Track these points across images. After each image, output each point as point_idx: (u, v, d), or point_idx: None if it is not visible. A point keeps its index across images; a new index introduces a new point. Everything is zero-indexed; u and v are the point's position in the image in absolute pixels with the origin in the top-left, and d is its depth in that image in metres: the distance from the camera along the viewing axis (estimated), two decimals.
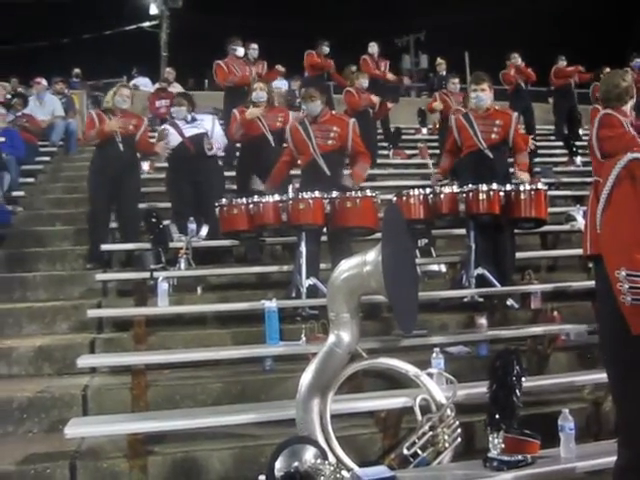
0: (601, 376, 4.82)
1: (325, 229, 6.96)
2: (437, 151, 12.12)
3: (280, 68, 13.80)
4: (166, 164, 8.84)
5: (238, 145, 9.29)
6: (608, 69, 10.42)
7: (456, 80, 12.23)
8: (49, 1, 24.91)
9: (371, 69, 13.43)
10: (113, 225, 8.44)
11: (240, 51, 11.61)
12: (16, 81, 15.77)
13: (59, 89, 14.39)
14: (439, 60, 15.67)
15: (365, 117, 11.02)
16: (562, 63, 14.57)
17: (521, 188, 6.86)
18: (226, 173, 9.59)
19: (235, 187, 9.01)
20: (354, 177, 7.13)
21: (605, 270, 3.44)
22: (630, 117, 5.65)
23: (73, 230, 8.88)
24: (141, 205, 9.10)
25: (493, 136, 7.27)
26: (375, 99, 11.93)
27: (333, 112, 7.57)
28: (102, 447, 4.72)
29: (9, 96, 12.95)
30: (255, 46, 12.33)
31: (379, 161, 12.21)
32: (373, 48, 13.93)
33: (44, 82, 13.69)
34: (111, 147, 8.12)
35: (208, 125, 8.45)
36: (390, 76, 14.13)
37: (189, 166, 8.13)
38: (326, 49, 14.04)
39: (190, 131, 8.31)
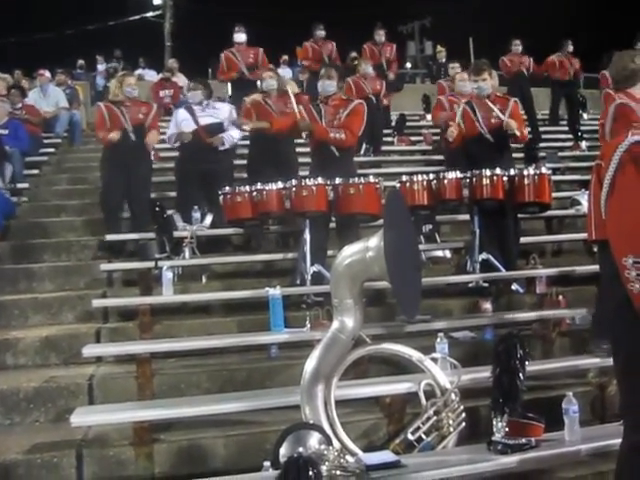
0: (605, 360, 4.85)
1: (333, 216, 6.96)
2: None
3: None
4: (176, 152, 8.84)
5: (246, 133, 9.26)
6: None
7: (456, 64, 12.14)
8: None
9: (369, 58, 13.26)
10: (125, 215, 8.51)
11: (239, 37, 11.56)
12: (20, 73, 15.77)
13: (62, 80, 14.39)
14: (439, 48, 15.59)
15: (368, 104, 10.99)
16: (570, 48, 14.43)
17: (525, 173, 6.86)
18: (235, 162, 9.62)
19: (245, 175, 9.03)
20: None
21: (610, 255, 3.42)
22: None
23: (78, 221, 8.90)
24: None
25: (493, 120, 7.31)
26: (379, 85, 11.93)
27: (344, 96, 7.57)
28: (108, 435, 4.74)
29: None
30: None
31: (384, 148, 12.21)
32: (381, 37, 13.75)
33: (47, 74, 13.67)
34: (123, 137, 8.16)
35: (224, 115, 8.42)
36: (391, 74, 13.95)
37: (200, 155, 8.11)
38: (321, 33, 13.93)
39: (205, 119, 8.30)
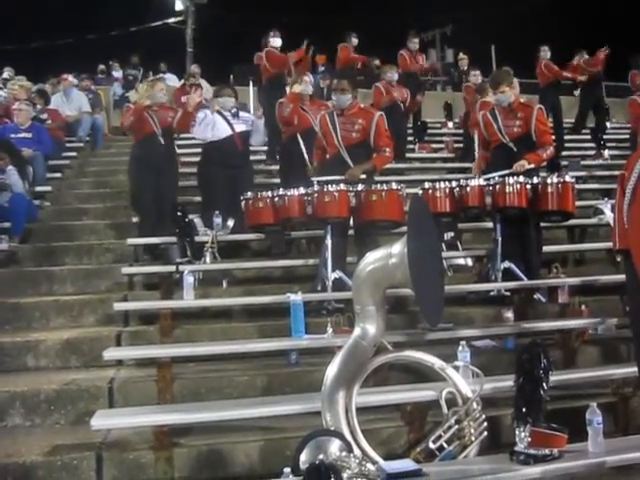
0: (629, 370, 4.81)
1: (352, 222, 6.93)
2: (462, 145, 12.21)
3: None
4: (199, 156, 8.82)
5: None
6: None
7: (477, 72, 12.18)
8: None
9: (407, 65, 13.34)
10: None
11: (276, 41, 11.64)
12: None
13: (85, 86, 14.49)
14: (461, 55, 15.57)
15: (395, 111, 11.00)
16: (585, 57, 14.44)
17: (548, 181, 6.82)
18: (268, 167, 9.74)
19: (278, 180, 9.10)
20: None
21: (634, 265, 3.40)
22: None
23: (100, 224, 8.95)
24: None
25: (515, 130, 7.28)
26: (405, 93, 11.95)
27: (362, 105, 7.54)
28: (128, 439, 4.74)
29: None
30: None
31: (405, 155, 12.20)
32: (415, 45, 13.78)
33: (71, 78, 13.77)
34: (152, 140, 8.28)
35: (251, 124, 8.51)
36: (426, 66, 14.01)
37: (232, 162, 8.15)
38: (355, 40, 14.02)
39: (239, 126, 8.34)
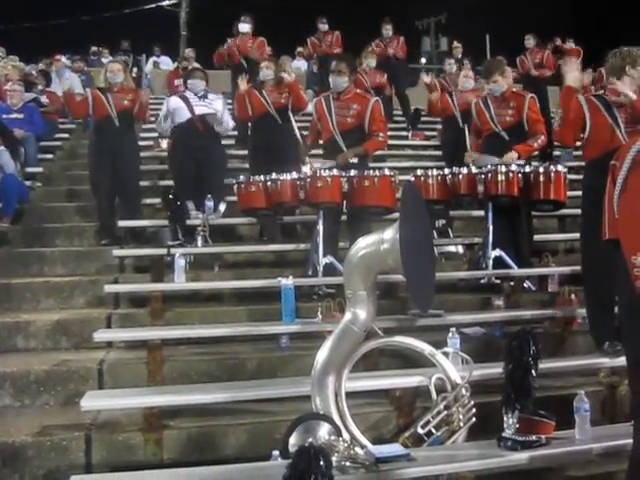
0: (617, 360, 4.84)
1: (344, 208, 6.93)
2: None
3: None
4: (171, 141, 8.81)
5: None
6: None
7: (452, 61, 12.18)
8: None
9: (381, 52, 13.41)
10: None
11: (242, 27, 11.61)
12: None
13: (78, 67, 14.43)
14: (455, 44, 15.53)
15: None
16: (569, 45, 14.45)
17: (540, 170, 6.82)
18: (240, 152, 9.66)
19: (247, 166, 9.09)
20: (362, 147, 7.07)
21: (623, 255, 3.42)
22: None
23: (91, 206, 8.89)
24: (161, 182, 9.18)
25: (507, 118, 7.28)
26: (378, 79, 12.10)
27: (358, 90, 7.50)
28: (117, 420, 4.76)
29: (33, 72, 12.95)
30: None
31: (397, 142, 12.17)
32: (388, 32, 13.84)
33: (63, 59, 13.71)
34: (107, 123, 8.15)
35: (218, 106, 8.33)
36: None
37: (195, 144, 8.07)
38: (324, 26, 14.05)
39: (200, 109, 8.23)
